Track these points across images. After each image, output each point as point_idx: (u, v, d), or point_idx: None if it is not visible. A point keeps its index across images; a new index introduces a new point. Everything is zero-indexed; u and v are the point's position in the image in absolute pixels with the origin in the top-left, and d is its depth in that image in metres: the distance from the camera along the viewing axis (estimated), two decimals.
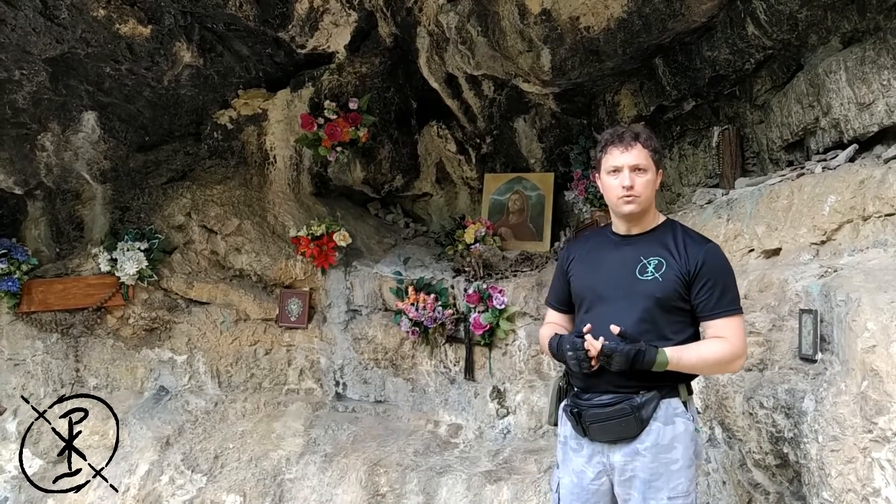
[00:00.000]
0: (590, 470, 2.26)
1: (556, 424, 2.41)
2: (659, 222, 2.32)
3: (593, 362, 2.15)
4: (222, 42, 4.27)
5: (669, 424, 2.17)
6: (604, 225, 2.64)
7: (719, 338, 2.17)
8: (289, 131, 4.74)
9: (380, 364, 4.47)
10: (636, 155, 2.21)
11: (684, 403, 2.22)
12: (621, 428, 2.17)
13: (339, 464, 3.94)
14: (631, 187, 2.20)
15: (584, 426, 2.23)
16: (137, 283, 4.48)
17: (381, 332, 4.42)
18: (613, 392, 2.18)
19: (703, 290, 2.17)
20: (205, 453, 4.19)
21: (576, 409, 2.25)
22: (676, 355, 2.12)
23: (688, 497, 2.18)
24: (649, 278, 2.20)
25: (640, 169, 2.21)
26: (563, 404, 2.35)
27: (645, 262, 2.22)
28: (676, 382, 2.21)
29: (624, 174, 2.21)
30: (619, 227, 2.33)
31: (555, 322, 2.50)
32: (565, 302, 2.47)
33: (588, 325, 2.18)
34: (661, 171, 2.31)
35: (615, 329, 2.13)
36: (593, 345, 2.12)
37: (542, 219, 4.64)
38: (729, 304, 2.18)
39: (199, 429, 4.35)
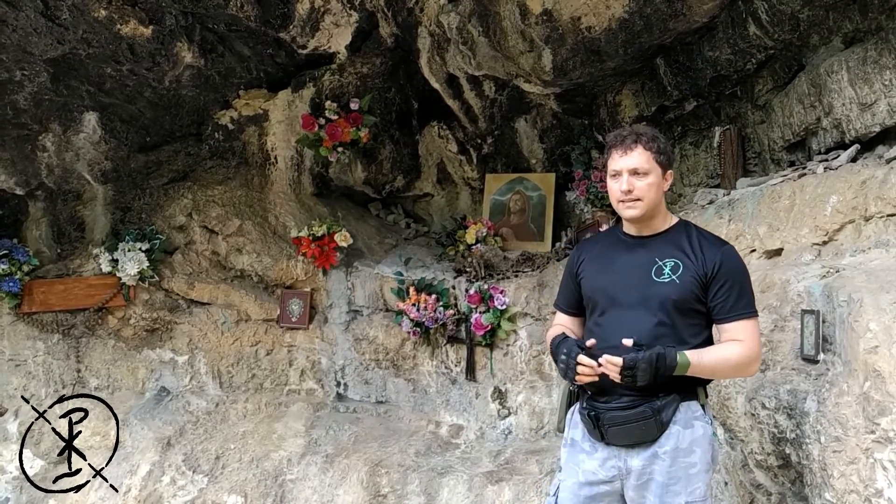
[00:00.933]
0: (602, 472, 2.21)
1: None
2: (672, 223, 2.28)
3: (612, 375, 2.08)
4: (223, 42, 4.27)
5: (689, 428, 2.14)
6: (612, 225, 2.61)
7: (736, 341, 2.14)
8: (290, 132, 4.74)
9: (381, 364, 4.46)
10: (636, 158, 2.17)
11: (702, 406, 2.19)
12: (641, 431, 2.13)
13: (341, 464, 3.94)
14: (629, 192, 2.17)
15: (601, 430, 2.18)
16: (138, 284, 4.48)
17: (382, 333, 4.42)
18: (632, 395, 2.13)
19: (720, 293, 2.14)
20: (206, 454, 4.18)
21: (593, 413, 2.20)
22: (696, 357, 2.09)
23: (704, 502, 2.15)
24: (666, 280, 2.16)
25: (639, 172, 2.17)
26: (577, 407, 2.30)
27: (661, 263, 2.18)
28: (695, 385, 2.18)
29: (623, 178, 2.18)
30: (630, 228, 2.29)
31: (563, 325, 2.45)
32: (575, 304, 2.42)
33: (592, 341, 2.15)
34: (670, 171, 2.26)
35: (628, 342, 2.09)
36: (590, 364, 2.09)
37: (543, 219, 4.63)
38: (745, 307, 2.15)
39: (200, 429, 4.34)
